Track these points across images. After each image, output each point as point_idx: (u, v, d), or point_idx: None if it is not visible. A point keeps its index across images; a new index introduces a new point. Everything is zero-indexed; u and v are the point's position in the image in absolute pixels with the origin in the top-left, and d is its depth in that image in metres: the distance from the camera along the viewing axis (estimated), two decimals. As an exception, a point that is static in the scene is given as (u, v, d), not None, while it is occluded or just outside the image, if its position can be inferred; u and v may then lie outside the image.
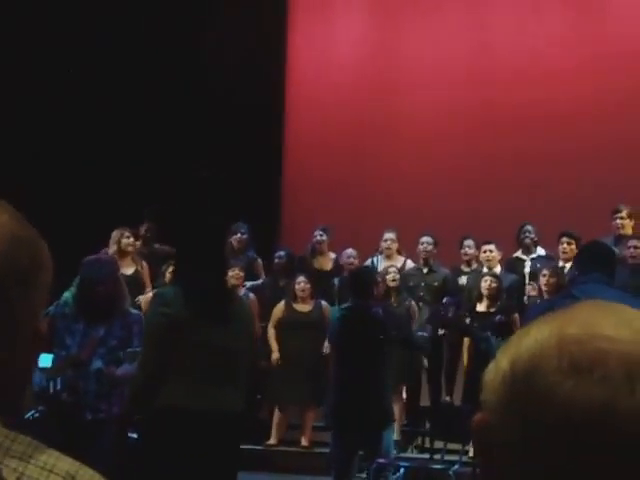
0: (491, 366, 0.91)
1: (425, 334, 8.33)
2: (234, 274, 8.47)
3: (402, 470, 6.91)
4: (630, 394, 0.84)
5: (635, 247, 8.32)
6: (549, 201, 10.27)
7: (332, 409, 6.54)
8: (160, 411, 4.41)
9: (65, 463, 1.11)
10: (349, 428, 6.26)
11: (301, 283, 8.90)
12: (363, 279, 6.58)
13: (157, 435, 4.45)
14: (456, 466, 7.15)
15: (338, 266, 9.62)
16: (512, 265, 9.41)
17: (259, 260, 9.78)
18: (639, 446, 0.83)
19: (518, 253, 9.44)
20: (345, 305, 7.01)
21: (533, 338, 0.90)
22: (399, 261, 9.58)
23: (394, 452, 6.39)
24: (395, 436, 8.25)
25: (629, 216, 8.82)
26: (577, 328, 0.88)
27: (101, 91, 10.84)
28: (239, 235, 9.57)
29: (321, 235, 9.81)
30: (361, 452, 6.45)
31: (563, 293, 6.09)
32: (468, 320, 8.52)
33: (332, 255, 9.89)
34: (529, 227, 9.29)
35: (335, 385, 6.50)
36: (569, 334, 0.87)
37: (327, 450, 7.41)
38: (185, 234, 5.45)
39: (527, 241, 9.27)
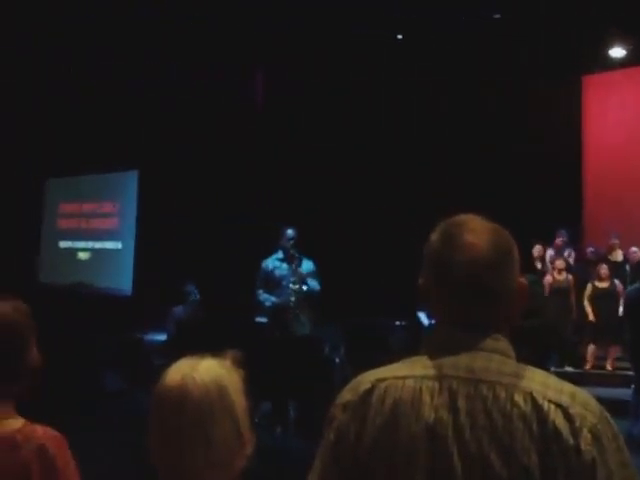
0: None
1: None
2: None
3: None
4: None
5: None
6: None
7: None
8: None
9: (565, 384, 1.38)
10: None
11: (603, 269, 13.15)
12: None
13: None
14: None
15: (625, 258, 13.51)
16: None
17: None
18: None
19: None
20: (635, 285, 9.72)
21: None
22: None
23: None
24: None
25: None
26: None
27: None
28: (561, 238, 14.05)
29: (615, 239, 13.84)
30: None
31: None
32: None
33: (620, 252, 13.79)
34: None
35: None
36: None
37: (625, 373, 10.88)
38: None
39: None
